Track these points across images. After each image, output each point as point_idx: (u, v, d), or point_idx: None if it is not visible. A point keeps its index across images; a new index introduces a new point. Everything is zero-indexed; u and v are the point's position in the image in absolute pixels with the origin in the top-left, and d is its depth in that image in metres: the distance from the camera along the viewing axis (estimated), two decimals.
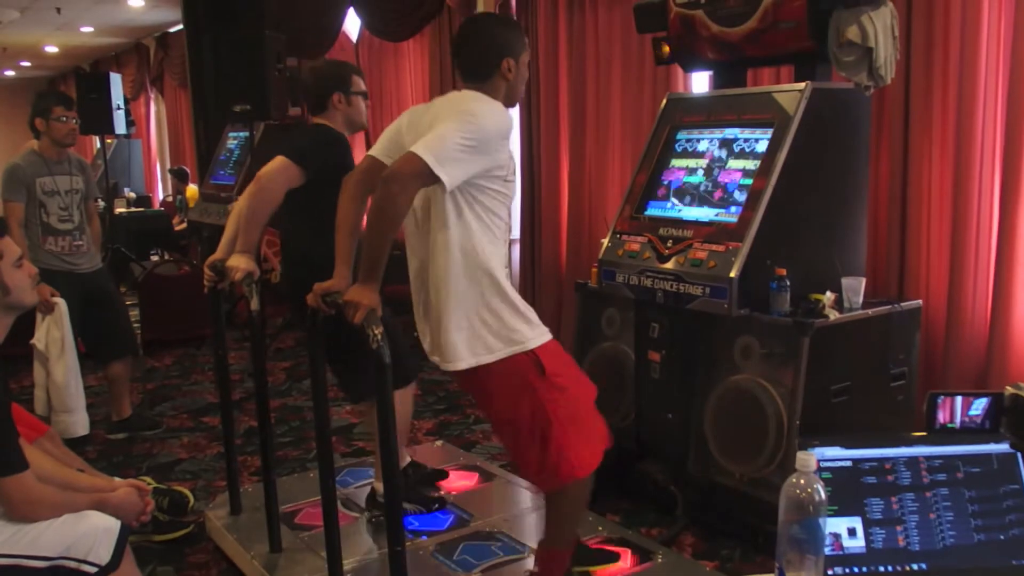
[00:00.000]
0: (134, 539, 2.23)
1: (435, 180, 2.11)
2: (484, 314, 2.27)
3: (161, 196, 11.65)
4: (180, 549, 3.21)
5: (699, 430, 3.18)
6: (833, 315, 2.92)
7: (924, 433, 1.49)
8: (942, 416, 1.49)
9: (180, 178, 9.49)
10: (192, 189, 8.98)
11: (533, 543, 2.92)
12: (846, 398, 3.00)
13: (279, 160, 2.88)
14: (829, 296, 2.96)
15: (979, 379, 3.32)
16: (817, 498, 1.29)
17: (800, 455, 1.31)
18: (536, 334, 2.32)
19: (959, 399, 1.49)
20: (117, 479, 2.45)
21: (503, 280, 2.29)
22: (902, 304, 3.19)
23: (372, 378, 2.16)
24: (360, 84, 3.15)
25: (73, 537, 2.05)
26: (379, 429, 2.16)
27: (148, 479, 3.26)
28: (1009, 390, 1.48)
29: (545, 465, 2.35)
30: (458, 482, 3.44)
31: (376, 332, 2.13)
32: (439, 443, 4.02)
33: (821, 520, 1.30)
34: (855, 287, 3.04)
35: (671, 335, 3.22)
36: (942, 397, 1.49)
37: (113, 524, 2.12)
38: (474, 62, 2.35)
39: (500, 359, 2.28)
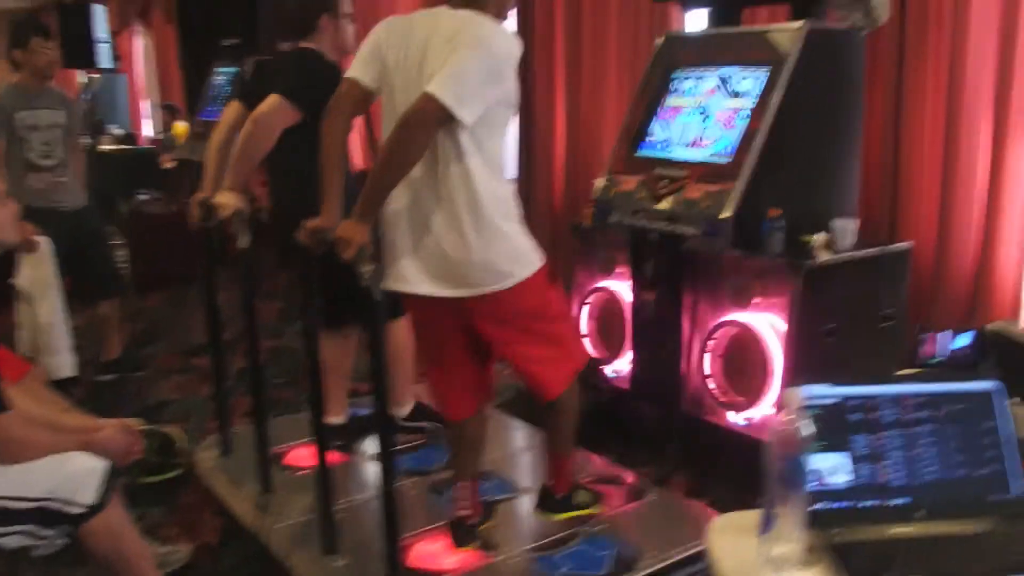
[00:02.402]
0: (123, 480, 2.21)
1: (454, 120, 2.07)
2: (508, 235, 2.27)
3: (148, 133, 11.45)
4: (170, 490, 3.21)
5: (692, 370, 3.19)
6: (824, 256, 2.91)
7: (910, 372, 1.51)
8: (927, 350, 1.52)
9: (172, 113, 9.31)
10: (180, 126, 8.83)
11: (526, 482, 2.97)
12: (837, 338, 3.00)
13: (274, 100, 2.79)
14: (821, 237, 2.95)
15: (966, 320, 3.33)
16: (803, 435, 1.30)
17: (787, 393, 1.33)
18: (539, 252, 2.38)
19: (946, 334, 1.51)
20: (104, 419, 2.43)
21: (513, 197, 2.31)
22: (892, 245, 3.19)
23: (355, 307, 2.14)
24: (347, 6, 3.04)
25: (59, 478, 2.04)
26: (372, 367, 2.15)
27: (137, 420, 3.26)
28: (994, 326, 1.49)
29: (561, 364, 2.46)
30: None
31: (367, 269, 2.11)
32: None
33: (807, 456, 1.32)
34: (846, 228, 3.02)
35: (665, 275, 3.21)
36: (928, 333, 1.51)
37: (100, 464, 2.10)
38: None
39: (526, 277, 2.30)
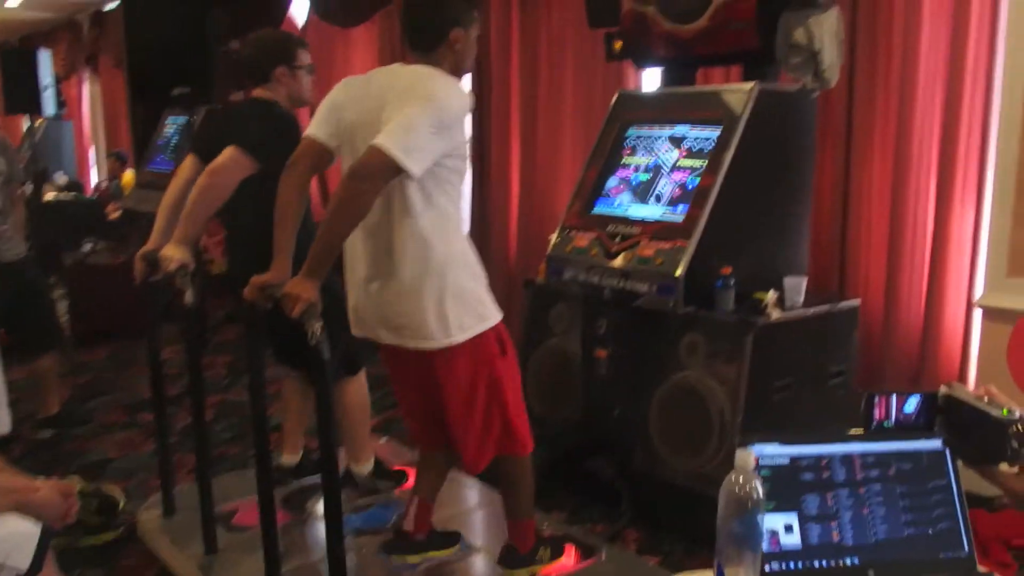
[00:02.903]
0: (61, 543, 2.13)
1: (402, 172, 2.07)
2: (458, 292, 2.27)
3: (95, 182, 11.27)
4: (111, 552, 3.10)
5: (644, 426, 3.18)
6: (775, 314, 2.95)
7: (860, 431, 1.52)
8: (878, 414, 1.53)
9: (120, 160, 9.18)
10: (128, 175, 8.71)
11: (479, 540, 2.92)
12: (787, 395, 3.03)
13: (231, 152, 2.74)
14: (772, 295, 2.99)
15: (913, 377, 3.41)
16: (755, 495, 1.29)
17: (739, 453, 1.31)
18: (496, 308, 2.36)
19: (894, 397, 1.53)
20: (40, 479, 2.34)
21: (471, 254, 2.31)
22: (841, 303, 3.24)
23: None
24: (305, 58, 3.02)
25: None
26: (319, 425, 2.12)
27: (75, 479, 3.14)
28: (943, 389, 1.51)
29: (487, 441, 2.42)
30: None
31: (315, 327, 2.08)
32: (384, 440, 3.96)
33: (759, 517, 1.30)
34: (797, 286, 3.07)
35: (618, 332, 3.22)
36: (878, 396, 1.53)
37: (33, 527, 2.02)
38: (421, 31, 2.28)
39: (472, 336, 2.29)
